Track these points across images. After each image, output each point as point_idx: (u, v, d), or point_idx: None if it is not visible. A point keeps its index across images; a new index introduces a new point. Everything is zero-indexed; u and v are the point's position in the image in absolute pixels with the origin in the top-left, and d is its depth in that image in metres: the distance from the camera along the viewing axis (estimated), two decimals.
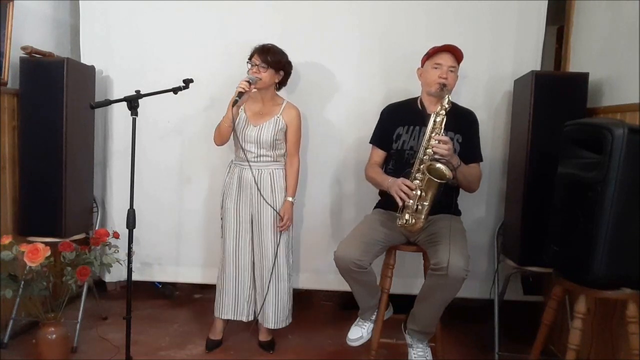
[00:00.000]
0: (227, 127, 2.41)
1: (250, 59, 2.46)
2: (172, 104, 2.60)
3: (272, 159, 2.53)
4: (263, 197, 2.48)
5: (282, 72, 2.50)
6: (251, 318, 2.63)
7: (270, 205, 2.50)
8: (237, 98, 2.31)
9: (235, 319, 2.61)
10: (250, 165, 2.46)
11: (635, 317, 1.85)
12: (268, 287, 2.54)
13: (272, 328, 2.60)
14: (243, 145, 2.46)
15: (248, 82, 2.34)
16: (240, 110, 2.49)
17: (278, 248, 2.53)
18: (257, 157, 2.49)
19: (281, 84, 2.57)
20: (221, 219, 2.61)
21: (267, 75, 2.42)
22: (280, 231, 2.52)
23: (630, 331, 1.86)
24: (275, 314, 2.58)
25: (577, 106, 2.35)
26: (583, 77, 2.39)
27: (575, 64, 2.66)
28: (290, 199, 2.54)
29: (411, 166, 2.18)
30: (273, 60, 2.42)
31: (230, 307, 2.59)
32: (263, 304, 2.56)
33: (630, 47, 2.14)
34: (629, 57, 2.15)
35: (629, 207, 1.76)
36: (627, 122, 2.05)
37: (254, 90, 2.42)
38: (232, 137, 2.52)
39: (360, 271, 2.12)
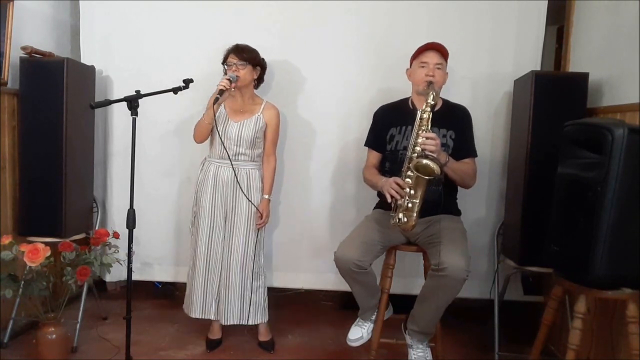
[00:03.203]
0: (207, 124, 2.43)
1: (224, 61, 2.51)
2: (172, 104, 2.61)
3: (250, 159, 2.55)
4: (244, 193, 2.50)
5: (258, 68, 2.55)
6: (217, 317, 2.59)
7: (251, 202, 2.52)
8: (218, 96, 2.34)
9: (203, 317, 2.59)
10: (232, 163, 2.46)
11: (635, 317, 1.85)
12: (246, 286, 2.54)
13: (239, 324, 2.59)
14: (224, 142, 2.47)
15: (229, 80, 2.37)
16: (220, 107, 2.51)
17: (256, 245, 2.56)
18: (235, 154, 2.50)
19: (259, 80, 2.60)
20: (193, 216, 2.61)
21: (245, 73, 2.47)
22: (258, 229, 2.56)
23: (630, 331, 1.86)
24: (252, 311, 2.58)
25: (577, 106, 2.35)
26: (583, 77, 2.39)
27: (575, 64, 2.66)
28: (266, 196, 2.58)
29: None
30: (249, 57, 2.48)
31: (199, 304, 2.56)
32: (251, 302, 2.56)
33: (630, 47, 2.14)
34: (629, 57, 2.15)
35: (629, 207, 1.76)
36: (627, 122, 2.05)
37: (234, 89, 2.43)
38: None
39: (361, 272, 2.12)
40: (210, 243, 2.55)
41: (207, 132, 2.49)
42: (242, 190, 2.50)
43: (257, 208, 2.53)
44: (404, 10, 2.78)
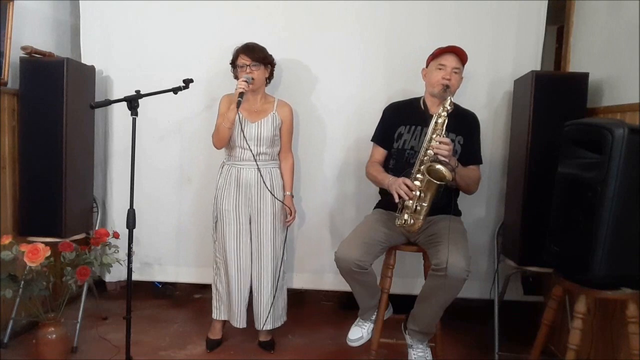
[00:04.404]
0: (228, 128, 2.41)
1: (234, 62, 2.49)
2: (172, 104, 2.61)
3: (270, 157, 2.55)
4: (272, 193, 2.51)
5: (269, 67, 2.54)
6: (245, 324, 2.61)
7: (280, 200, 2.53)
8: (239, 99, 2.32)
9: (239, 326, 2.59)
10: (257, 163, 2.47)
11: (635, 317, 1.85)
12: (276, 288, 2.56)
13: (272, 328, 2.62)
14: (242, 144, 2.47)
15: (245, 81, 2.36)
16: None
17: (284, 245, 2.58)
18: (256, 155, 2.49)
19: (269, 78, 2.59)
20: (215, 222, 2.59)
21: (259, 73, 2.45)
22: (287, 226, 2.60)
23: (630, 331, 1.86)
24: (275, 314, 2.61)
25: (577, 106, 2.35)
26: (583, 77, 2.39)
27: (575, 64, 2.66)
28: (288, 193, 2.60)
29: (411, 166, 2.18)
30: (261, 57, 2.46)
31: (236, 312, 2.57)
32: (273, 304, 2.57)
33: (630, 47, 2.14)
34: (629, 57, 2.15)
35: (629, 207, 1.76)
36: (627, 122, 2.05)
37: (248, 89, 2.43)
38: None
39: (361, 272, 2.12)
40: (239, 248, 2.54)
41: (228, 136, 2.45)
42: (267, 188, 2.50)
43: (285, 205, 2.56)
44: (404, 11, 2.78)
